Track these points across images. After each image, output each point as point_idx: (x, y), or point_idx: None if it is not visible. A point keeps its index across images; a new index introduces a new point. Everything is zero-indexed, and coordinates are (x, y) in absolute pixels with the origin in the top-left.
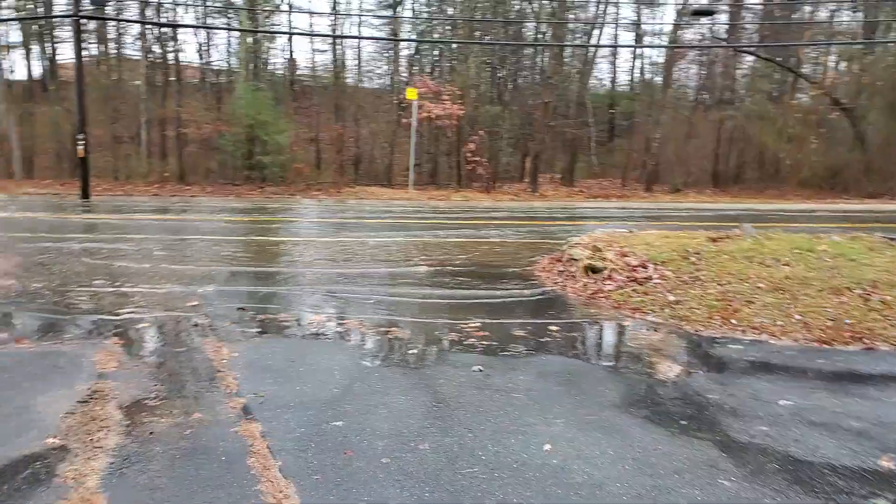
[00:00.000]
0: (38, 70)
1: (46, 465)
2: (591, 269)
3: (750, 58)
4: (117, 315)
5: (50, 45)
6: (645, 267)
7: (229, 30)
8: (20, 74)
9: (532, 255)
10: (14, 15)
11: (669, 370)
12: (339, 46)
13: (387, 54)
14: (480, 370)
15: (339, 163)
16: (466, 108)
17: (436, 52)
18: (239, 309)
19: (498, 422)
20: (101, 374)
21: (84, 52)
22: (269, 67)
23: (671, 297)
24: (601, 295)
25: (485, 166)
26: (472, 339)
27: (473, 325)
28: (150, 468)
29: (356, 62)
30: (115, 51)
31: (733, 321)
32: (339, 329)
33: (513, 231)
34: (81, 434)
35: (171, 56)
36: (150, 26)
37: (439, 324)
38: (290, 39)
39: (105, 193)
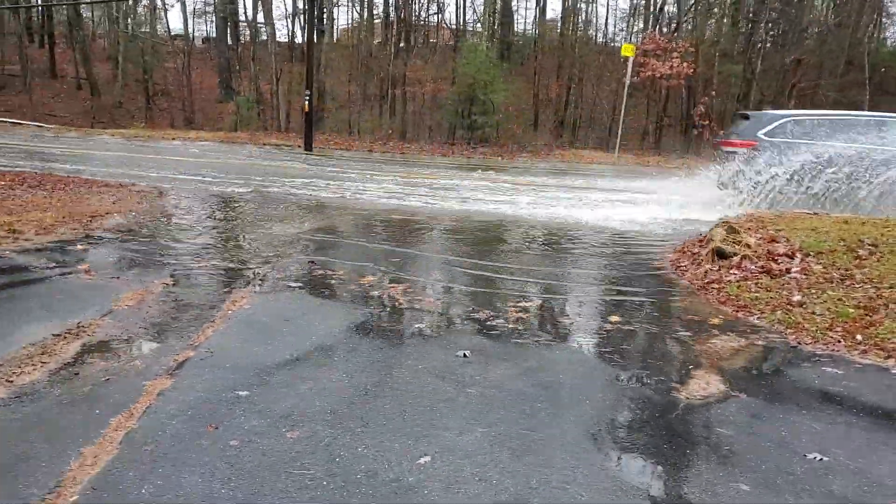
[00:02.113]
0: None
1: None
2: (720, 254)
3: None
4: (199, 257)
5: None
6: (791, 257)
7: None
8: (283, 37)
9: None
10: None
11: (703, 388)
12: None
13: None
14: (465, 356)
15: (556, 123)
16: (701, 66)
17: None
18: (309, 262)
19: (412, 419)
20: (106, 312)
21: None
22: (497, 25)
23: (796, 297)
24: (715, 285)
25: (714, 131)
26: (514, 315)
27: (526, 304)
28: (23, 409)
29: (584, 16)
30: (363, 13)
31: (859, 337)
32: (360, 290)
33: None
34: (11, 367)
35: (406, 14)
36: None
37: (489, 295)
38: None
39: (328, 145)
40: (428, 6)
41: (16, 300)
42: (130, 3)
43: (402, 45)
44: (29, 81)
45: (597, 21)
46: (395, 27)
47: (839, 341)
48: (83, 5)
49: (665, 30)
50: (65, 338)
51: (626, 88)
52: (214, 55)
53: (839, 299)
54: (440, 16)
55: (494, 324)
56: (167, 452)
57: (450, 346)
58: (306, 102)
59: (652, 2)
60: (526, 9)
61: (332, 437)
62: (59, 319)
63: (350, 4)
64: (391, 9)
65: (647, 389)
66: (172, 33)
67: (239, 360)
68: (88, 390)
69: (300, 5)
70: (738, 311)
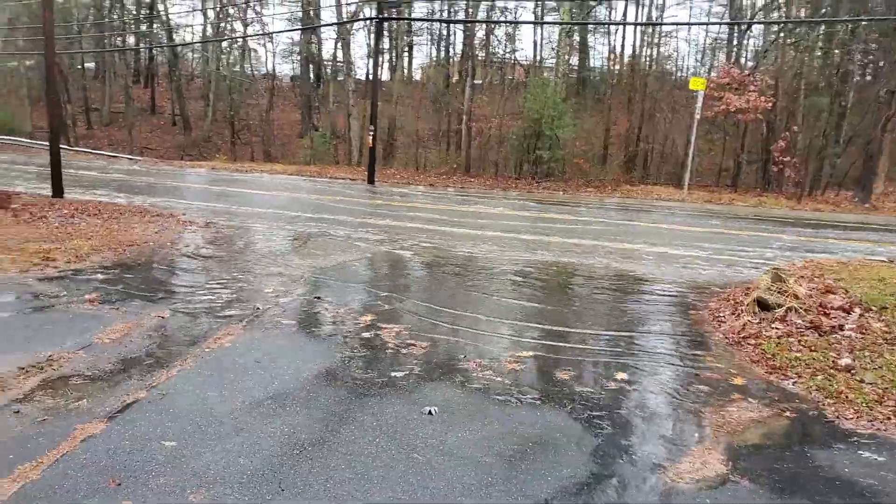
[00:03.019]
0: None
1: None
2: (762, 305)
3: None
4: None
5: (395, 50)
6: (848, 311)
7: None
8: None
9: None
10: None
11: (697, 468)
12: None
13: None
14: (430, 413)
15: (625, 159)
16: (783, 100)
17: (753, 35)
18: (315, 298)
19: (334, 488)
20: (84, 346)
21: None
22: (568, 61)
23: (845, 360)
24: (752, 340)
25: (796, 168)
26: (507, 367)
27: (525, 353)
28: None
29: (659, 51)
30: (438, 51)
31: None
32: (351, 330)
33: (774, 250)
34: None
35: (485, 52)
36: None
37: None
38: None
39: (391, 179)
40: (506, 44)
41: (6, 329)
42: (224, 45)
43: (475, 81)
44: (131, 118)
45: (677, 55)
46: (470, 64)
47: (889, 418)
48: (180, 47)
49: (746, 62)
50: (27, 371)
51: (695, 122)
52: (298, 93)
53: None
54: (514, 54)
55: (481, 375)
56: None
57: (420, 400)
58: (370, 138)
59: (736, 35)
60: (603, 44)
61: None
62: (33, 351)
63: (429, 43)
64: (465, 47)
65: (628, 466)
66: (260, 73)
67: (186, 406)
68: (18, 432)
69: (382, 47)
70: (770, 374)
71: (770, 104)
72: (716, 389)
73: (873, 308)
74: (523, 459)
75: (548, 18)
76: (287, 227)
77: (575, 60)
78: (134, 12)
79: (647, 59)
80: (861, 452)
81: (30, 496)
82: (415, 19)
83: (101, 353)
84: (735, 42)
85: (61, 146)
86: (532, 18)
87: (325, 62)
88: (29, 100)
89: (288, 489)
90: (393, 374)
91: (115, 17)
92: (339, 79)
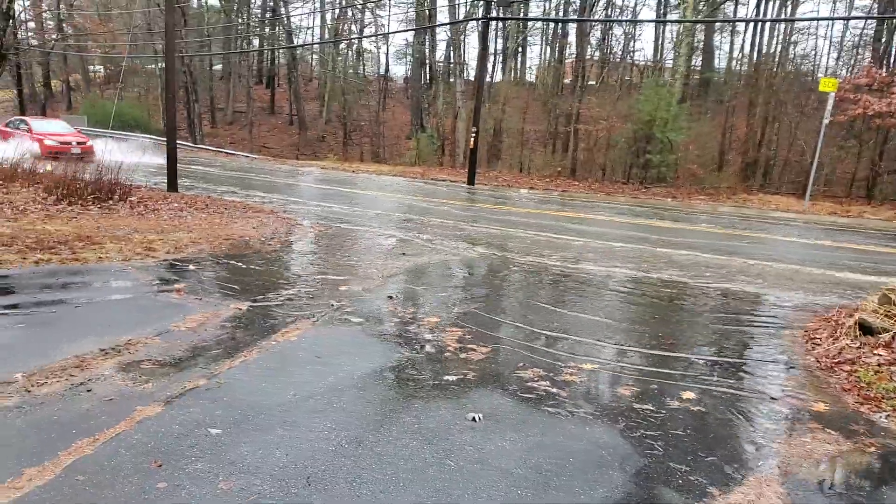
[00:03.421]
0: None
1: None
2: (865, 329)
3: None
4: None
5: (505, 51)
6: None
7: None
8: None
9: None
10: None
11: (750, 500)
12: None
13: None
14: (474, 420)
15: (742, 165)
16: None
17: None
18: (388, 297)
19: (361, 489)
20: (161, 332)
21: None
22: (689, 62)
23: None
24: (847, 367)
25: None
26: (566, 378)
27: (589, 365)
28: (13, 420)
29: (790, 49)
30: (553, 52)
31: None
32: (417, 332)
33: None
34: (39, 377)
35: (604, 53)
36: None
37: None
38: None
39: (493, 181)
40: (624, 44)
41: (96, 312)
42: (343, 47)
43: (588, 83)
44: (251, 117)
45: (815, 54)
46: (582, 65)
47: None
48: (299, 50)
49: (892, 62)
50: (106, 353)
51: (822, 127)
52: (410, 95)
53: None
54: (633, 54)
55: (537, 385)
56: (92, 486)
57: (467, 406)
58: (472, 139)
59: (885, 30)
60: (726, 43)
61: (259, 495)
62: (115, 335)
63: (543, 43)
64: (578, 48)
65: (671, 491)
66: (374, 74)
67: (239, 395)
68: (85, 409)
69: (494, 47)
70: (862, 404)
71: None
72: (793, 417)
73: None
74: (559, 475)
75: (671, 17)
76: (375, 227)
77: (699, 62)
78: (258, 16)
79: (775, 57)
80: None
81: (78, 471)
82: (524, 19)
83: (175, 341)
84: (884, 38)
85: (187, 143)
86: (653, 17)
87: (438, 63)
88: (162, 100)
89: (314, 484)
90: (447, 377)
91: (241, 20)
92: (450, 80)
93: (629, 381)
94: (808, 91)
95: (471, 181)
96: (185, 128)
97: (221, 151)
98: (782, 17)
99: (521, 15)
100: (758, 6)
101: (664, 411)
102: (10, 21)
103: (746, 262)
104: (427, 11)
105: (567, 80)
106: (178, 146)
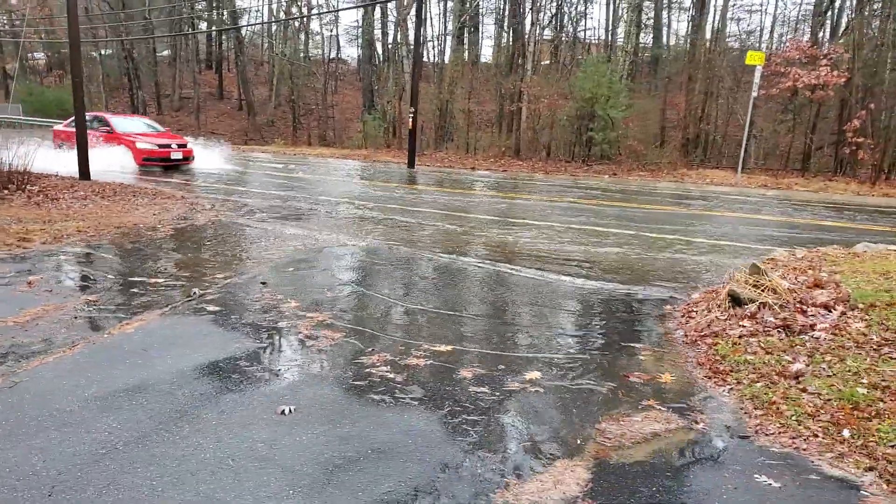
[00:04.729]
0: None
1: None
2: (735, 300)
3: None
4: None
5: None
6: (830, 310)
7: None
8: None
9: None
10: None
11: (546, 488)
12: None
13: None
14: (284, 413)
15: (682, 141)
16: (858, 75)
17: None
18: (262, 284)
19: (106, 489)
20: None
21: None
22: (634, 39)
23: (797, 366)
24: (710, 339)
25: (871, 149)
26: (412, 361)
27: (441, 347)
28: None
29: (719, 23)
30: (501, 33)
31: (846, 433)
32: (269, 319)
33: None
34: None
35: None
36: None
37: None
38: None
39: (437, 162)
40: (577, 23)
41: None
42: (291, 29)
43: (541, 63)
44: (198, 103)
45: (763, 32)
46: (534, 43)
47: (815, 436)
48: (248, 33)
49: (823, 35)
50: None
51: (751, 101)
52: (360, 77)
53: (855, 373)
54: (584, 33)
55: (375, 371)
56: None
57: (286, 398)
58: (410, 119)
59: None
60: (680, 21)
61: None
62: None
63: (495, 24)
64: (532, 26)
65: (464, 483)
66: (323, 56)
67: (31, 396)
68: None
69: (447, 28)
70: (710, 378)
71: (843, 79)
72: (632, 394)
73: (860, 306)
74: (348, 470)
75: None
76: (279, 212)
77: (650, 40)
78: None
79: (714, 33)
80: (757, 477)
81: None
82: None
83: (3, 334)
84: (829, 15)
85: None
86: None
87: (390, 45)
88: (105, 86)
89: (57, 494)
90: (280, 367)
91: (184, 2)
92: (398, 61)
93: (477, 362)
94: (747, 67)
95: (410, 164)
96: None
97: None
98: None
99: None
100: None
101: (498, 394)
102: None
103: (621, 232)
104: None
105: (520, 61)
106: None
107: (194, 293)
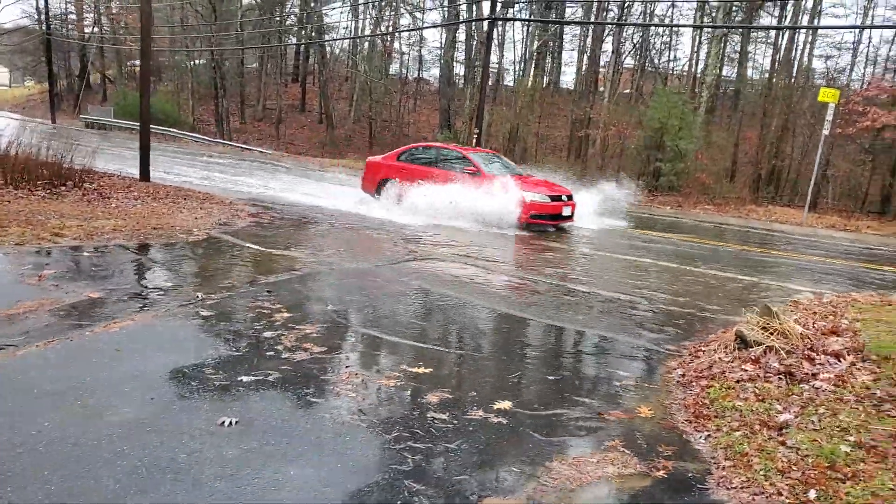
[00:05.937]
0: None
1: None
2: (742, 342)
3: None
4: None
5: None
6: (840, 359)
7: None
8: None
9: None
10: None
11: None
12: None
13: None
14: (224, 424)
15: (754, 176)
16: None
17: None
18: (267, 292)
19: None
20: None
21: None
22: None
23: (784, 417)
24: (705, 381)
25: None
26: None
27: (417, 369)
28: None
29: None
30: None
31: (812, 494)
32: (256, 328)
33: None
34: None
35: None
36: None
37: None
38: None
39: None
40: (661, 53)
41: None
42: (371, 47)
43: (620, 91)
44: (280, 114)
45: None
46: (612, 72)
47: (779, 494)
48: (330, 49)
49: None
50: None
51: (821, 139)
52: (440, 96)
53: (844, 429)
54: (668, 64)
55: (341, 389)
56: None
57: (234, 409)
58: (474, 139)
59: None
60: (765, 56)
61: None
62: None
63: (577, 50)
64: (613, 54)
65: None
66: (401, 76)
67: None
68: None
69: (526, 53)
70: (692, 422)
71: None
72: (599, 433)
73: (873, 358)
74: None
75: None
76: (327, 224)
77: (734, 74)
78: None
79: (798, 69)
80: None
81: None
82: (528, 20)
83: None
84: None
85: (205, 138)
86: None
87: (475, 65)
88: (194, 95)
89: None
90: (244, 377)
91: (275, 16)
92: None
93: (452, 386)
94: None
95: None
96: (213, 122)
97: (234, 146)
98: (803, 24)
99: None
100: (780, 17)
101: (457, 422)
102: None
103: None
104: (457, 13)
105: (601, 88)
106: (197, 140)
107: (197, 297)
